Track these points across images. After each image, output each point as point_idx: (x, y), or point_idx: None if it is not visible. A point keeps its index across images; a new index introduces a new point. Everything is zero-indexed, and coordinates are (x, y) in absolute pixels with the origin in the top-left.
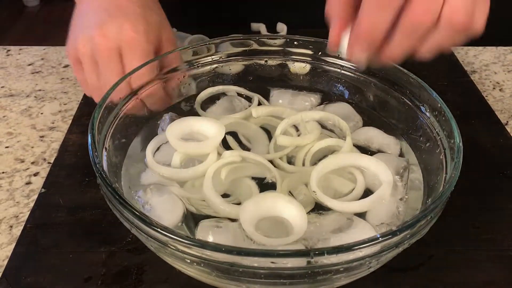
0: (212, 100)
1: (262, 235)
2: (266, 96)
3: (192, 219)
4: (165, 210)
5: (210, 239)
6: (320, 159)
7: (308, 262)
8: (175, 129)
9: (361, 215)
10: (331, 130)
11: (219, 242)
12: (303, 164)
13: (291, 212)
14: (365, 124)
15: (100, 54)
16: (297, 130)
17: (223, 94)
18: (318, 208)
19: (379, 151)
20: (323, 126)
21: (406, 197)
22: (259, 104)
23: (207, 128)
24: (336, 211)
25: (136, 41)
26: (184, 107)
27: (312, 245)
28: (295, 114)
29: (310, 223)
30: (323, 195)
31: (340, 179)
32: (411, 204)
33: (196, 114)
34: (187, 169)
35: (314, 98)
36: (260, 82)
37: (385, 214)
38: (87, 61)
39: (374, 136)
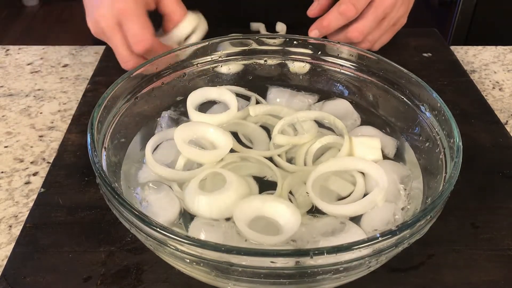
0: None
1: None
2: (265, 95)
3: (190, 217)
4: (162, 207)
5: (202, 237)
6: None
7: (297, 262)
8: (183, 133)
9: (356, 220)
10: (329, 128)
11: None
12: (305, 164)
13: (283, 213)
14: (364, 123)
15: (105, 31)
16: (295, 130)
17: (214, 102)
18: (316, 210)
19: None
20: (321, 125)
21: (408, 207)
22: (257, 103)
23: (216, 137)
24: (329, 215)
25: (127, 10)
26: (182, 105)
27: (301, 247)
28: (292, 114)
29: (302, 224)
30: (315, 197)
31: (341, 181)
32: (409, 213)
33: None
34: (186, 171)
35: (311, 99)
36: (260, 81)
37: (380, 221)
38: (104, 38)
39: (371, 135)
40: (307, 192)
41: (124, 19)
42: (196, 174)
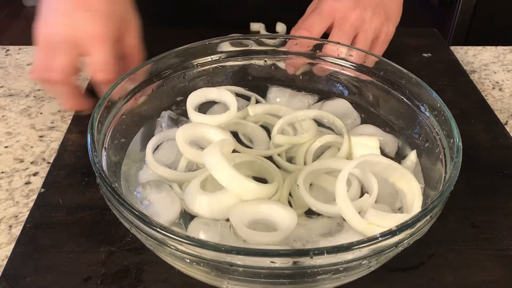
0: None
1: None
2: (265, 94)
3: (190, 216)
4: (163, 206)
5: (200, 237)
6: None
7: (297, 262)
8: (184, 134)
9: None
10: (329, 128)
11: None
12: (305, 163)
13: (279, 212)
14: (364, 122)
15: (59, 40)
16: (295, 129)
17: (214, 102)
18: (313, 211)
19: None
20: (320, 124)
21: None
22: (257, 103)
23: (217, 138)
24: (325, 216)
25: (97, 35)
26: (182, 105)
27: (300, 247)
28: (292, 113)
29: (300, 225)
30: (305, 191)
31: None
32: None
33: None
34: (187, 172)
35: (311, 99)
36: (259, 81)
37: None
38: (42, 44)
39: (372, 133)
40: (297, 185)
41: (93, 43)
42: (197, 175)
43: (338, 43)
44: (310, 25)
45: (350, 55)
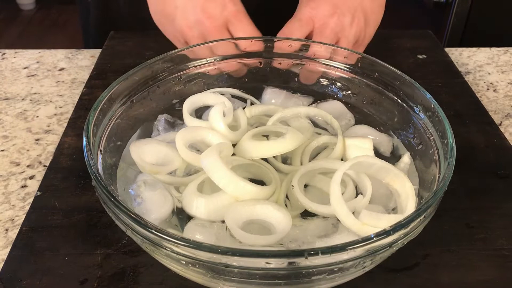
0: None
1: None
2: (260, 95)
3: (186, 218)
4: (155, 204)
5: (196, 238)
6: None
7: (292, 263)
8: (184, 137)
9: None
10: (324, 128)
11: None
12: (301, 164)
13: (274, 214)
14: (358, 123)
15: (211, 34)
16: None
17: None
18: (309, 212)
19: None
20: (315, 124)
21: None
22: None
23: (216, 141)
24: (320, 217)
25: (240, 13)
26: (178, 108)
27: (296, 248)
28: (292, 109)
29: (295, 226)
30: (299, 192)
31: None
32: None
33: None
34: (185, 176)
35: (306, 101)
36: (255, 83)
37: None
38: (197, 42)
39: (367, 134)
40: (292, 185)
41: (236, 21)
42: (194, 178)
43: (334, 45)
44: (289, 33)
45: (345, 57)
